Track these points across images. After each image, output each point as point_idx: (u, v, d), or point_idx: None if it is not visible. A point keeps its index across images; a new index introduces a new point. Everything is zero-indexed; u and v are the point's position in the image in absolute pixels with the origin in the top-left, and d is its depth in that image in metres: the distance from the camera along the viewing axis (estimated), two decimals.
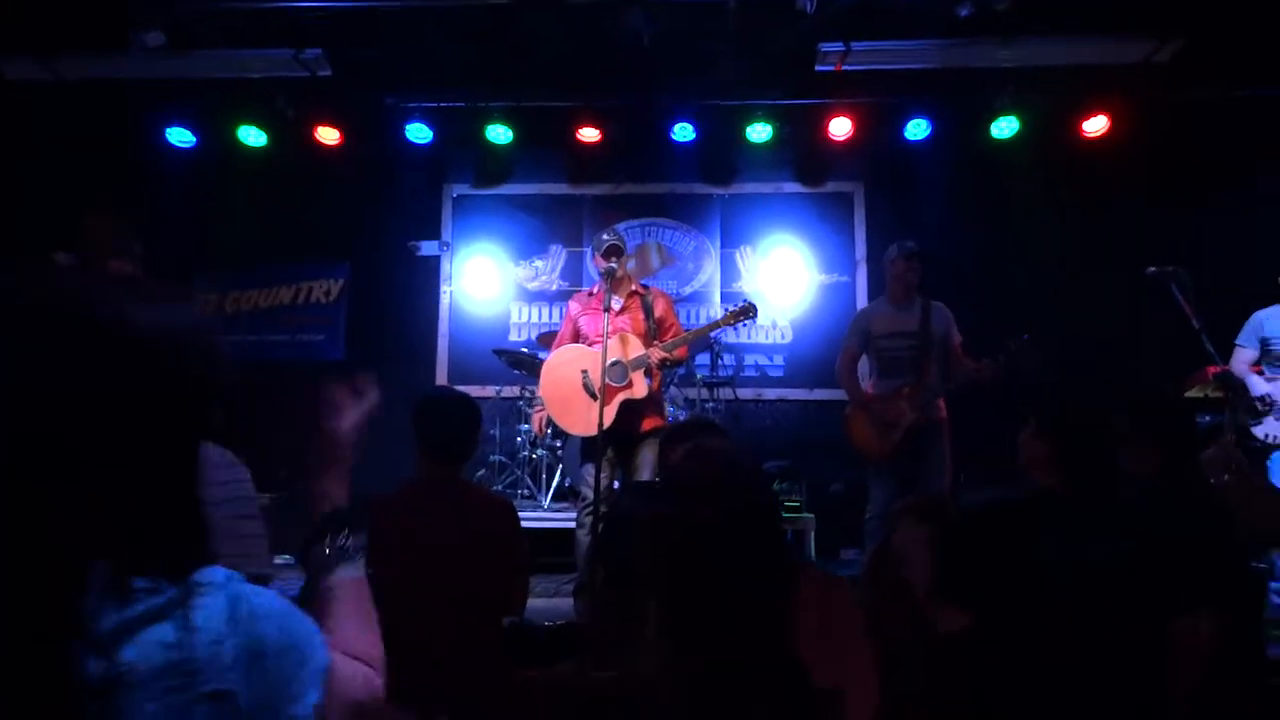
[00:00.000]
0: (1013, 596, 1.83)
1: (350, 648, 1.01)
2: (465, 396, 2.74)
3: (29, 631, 0.66)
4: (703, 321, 6.33)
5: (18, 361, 0.68)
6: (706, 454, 1.58)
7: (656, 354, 4.13)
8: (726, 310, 4.43)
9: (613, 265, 4.22)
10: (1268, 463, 3.88)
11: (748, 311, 4.36)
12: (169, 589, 0.73)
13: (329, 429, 1.28)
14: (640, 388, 4.12)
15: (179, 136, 6.32)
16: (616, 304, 4.27)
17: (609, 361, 4.02)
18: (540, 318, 6.90)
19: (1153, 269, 3.43)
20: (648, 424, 4.21)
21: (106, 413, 0.71)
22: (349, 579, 1.14)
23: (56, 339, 0.70)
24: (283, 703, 0.77)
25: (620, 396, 4.09)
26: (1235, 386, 3.55)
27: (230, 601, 0.76)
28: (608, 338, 4.00)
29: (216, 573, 0.78)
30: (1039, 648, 1.90)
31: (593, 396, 4.10)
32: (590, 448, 4.17)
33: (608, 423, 3.95)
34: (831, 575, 2.03)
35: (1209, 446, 2.51)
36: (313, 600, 1.08)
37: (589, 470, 4.16)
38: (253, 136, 6.33)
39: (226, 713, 0.72)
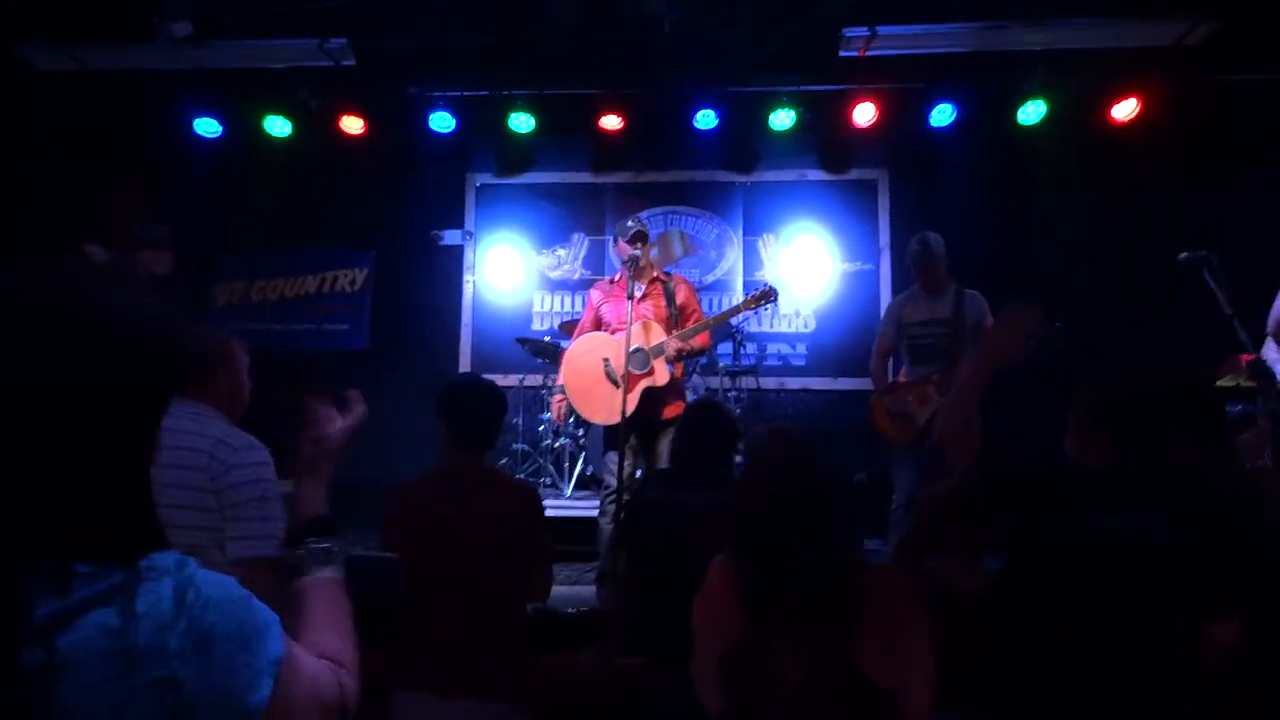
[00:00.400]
0: (1049, 555, 1.83)
1: (322, 649, 0.98)
2: (491, 384, 2.75)
3: None
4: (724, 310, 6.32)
5: None
6: (785, 437, 1.60)
7: (673, 345, 4.12)
8: (747, 296, 4.42)
9: (636, 252, 4.22)
10: None
11: (768, 295, 4.33)
12: (115, 574, 0.71)
13: (316, 437, 1.26)
14: (662, 375, 4.12)
15: (205, 126, 6.37)
16: (639, 291, 4.25)
17: (631, 349, 4.02)
18: (563, 306, 6.91)
19: (1184, 254, 3.36)
20: (670, 411, 4.19)
21: (60, 404, 0.70)
22: (323, 579, 1.11)
23: (10, 332, 0.69)
24: (235, 692, 0.75)
25: (642, 384, 4.09)
26: (1267, 375, 3.48)
27: (178, 587, 0.73)
28: (631, 324, 3.99)
29: (166, 558, 0.75)
30: (1062, 620, 1.89)
31: (615, 384, 4.12)
32: (613, 436, 4.19)
33: (630, 410, 3.96)
34: (892, 567, 2.02)
35: (1244, 432, 2.47)
36: (287, 603, 1.05)
37: (612, 458, 4.18)
38: (278, 126, 6.37)
39: (171, 701, 0.69)
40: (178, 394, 2.04)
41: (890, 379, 4.71)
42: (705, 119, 6.23)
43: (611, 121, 6.28)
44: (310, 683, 0.87)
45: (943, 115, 6.05)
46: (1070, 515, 1.95)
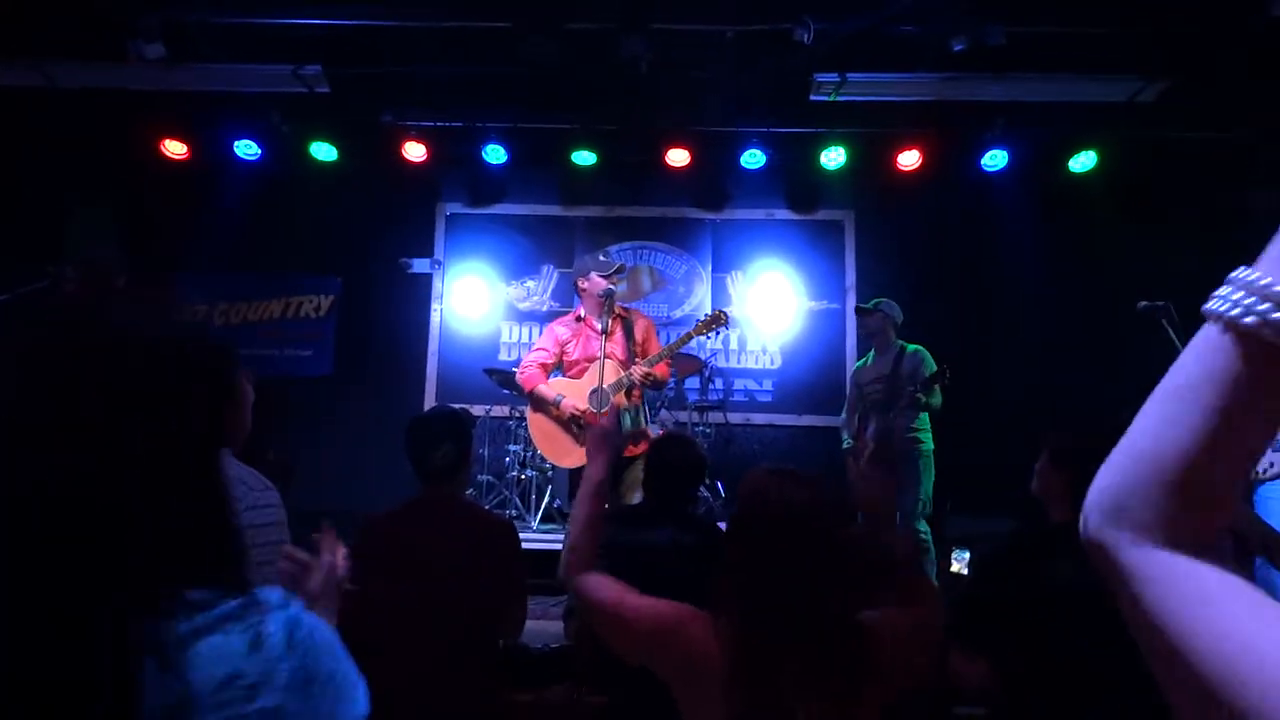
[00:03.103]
0: (1033, 624, 1.84)
1: None
2: (446, 412, 2.74)
3: (85, 652, 0.64)
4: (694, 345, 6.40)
5: (45, 392, 0.67)
6: (758, 501, 1.56)
7: (639, 370, 4.16)
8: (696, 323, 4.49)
9: (613, 287, 4.26)
10: (1253, 496, 3.93)
11: (719, 319, 4.40)
12: (229, 602, 0.72)
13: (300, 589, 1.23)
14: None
15: (173, 148, 6.28)
16: (605, 325, 4.28)
17: (590, 390, 4.16)
18: (531, 337, 6.90)
19: (1144, 303, 3.47)
20: (632, 449, 4.22)
21: (131, 428, 0.68)
22: None
23: (70, 361, 0.68)
24: None
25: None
26: None
27: (289, 623, 0.74)
28: (604, 360, 4.03)
29: (274, 593, 0.77)
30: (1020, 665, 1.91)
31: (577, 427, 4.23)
32: (580, 476, 4.20)
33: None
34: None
35: None
36: None
37: None
38: (248, 150, 6.31)
39: None
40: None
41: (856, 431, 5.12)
42: (753, 158, 6.24)
43: (585, 157, 6.33)
44: None
45: (909, 160, 6.20)
46: (1026, 565, 1.97)
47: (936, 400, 4.68)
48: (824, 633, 1.45)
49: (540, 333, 6.76)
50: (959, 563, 3.03)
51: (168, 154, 6.27)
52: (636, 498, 4.22)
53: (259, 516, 1.85)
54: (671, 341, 4.43)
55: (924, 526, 4.71)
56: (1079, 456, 2.07)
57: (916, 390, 4.57)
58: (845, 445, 5.18)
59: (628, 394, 4.21)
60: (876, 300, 5.10)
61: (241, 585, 0.75)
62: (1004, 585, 1.96)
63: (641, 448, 4.25)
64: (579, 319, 4.48)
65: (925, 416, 4.81)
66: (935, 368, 4.75)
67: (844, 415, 5.33)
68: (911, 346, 4.94)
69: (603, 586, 1.67)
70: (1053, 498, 2.09)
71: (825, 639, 1.45)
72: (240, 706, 0.68)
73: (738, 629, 1.48)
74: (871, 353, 5.17)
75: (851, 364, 6.67)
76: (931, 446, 4.80)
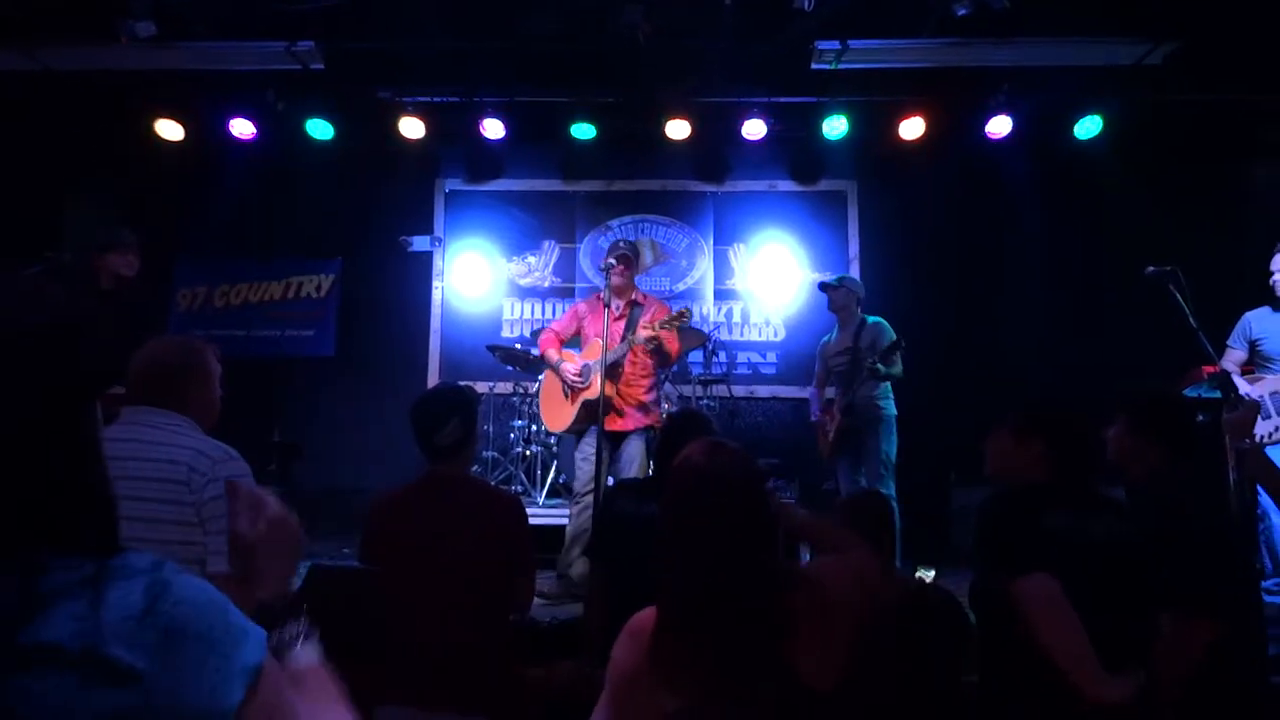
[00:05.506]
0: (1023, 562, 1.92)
1: None
2: (450, 388, 2.73)
3: None
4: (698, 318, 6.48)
5: None
6: (687, 471, 1.61)
7: (645, 333, 4.20)
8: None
9: (617, 280, 4.40)
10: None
11: (682, 316, 4.40)
12: (85, 566, 0.72)
13: (234, 533, 1.21)
14: (594, 389, 4.24)
15: (168, 129, 6.21)
16: (616, 308, 4.44)
17: (580, 364, 4.43)
18: (533, 313, 6.88)
19: (1151, 268, 3.44)
20: (616, 423, 4.35)
21: None
22: (307, 668, 1.04)
23: None
24: (202, 696, 0.73)
25: (581, 396, 4.36)
26: (1231, 386, 3.58)
27: (151, 585, 0.74)
28: (606, 335, 4.11)
29: (141, 558, 0.76)
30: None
31: (564, 396, 4.52)
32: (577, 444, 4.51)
33: (569, 420, 4.43)
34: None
35: (1232, 410, 2.55)
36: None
37: (580, 466, 4.42)
38: (243, 129, 6.24)
39: (131, 695, 0.69)
40: (148, 402, 1.98)
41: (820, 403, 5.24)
42: (754, 129, 6.10)
43: (584, 130, 6.26)
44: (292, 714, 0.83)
45: (912, 128, 6.11)
46: (1044, 517, 2.04)
47: (896, 370, 4.65)
48: (750, 589, 1.50)
49: (544, 309, 6.83)
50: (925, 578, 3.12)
51: (163, 136, 6.19)
52: (633, 471, 4.25)
53: (216, 489, 1.85)
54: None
55: (891, 490, 4.71)
56: (1047, 424, 2.20)
57: (875, 361, 4.55)
58: (814, 420, 5.18)
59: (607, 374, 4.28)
60: (840, 276, 5.21)
61: (107, 551, 0.74)
62: (1009, 536, 2.04)
63: (630, 423, 4.31)
64: (600, 298, 4.55)
65: (887, 385, 4.80)
66: (894, 337, 4.76)
67: (812, 389, 5.36)
68: (872, 319, 4.96)
69: None
70: (1023, 467, 2.19)
71: (751, 595, 1.49)
72: (86, 669, 0.68)
73: (667, 594, 1.54)
74: (836, 328, 5.18)
75: None
76: (894, 412, 4.82)
